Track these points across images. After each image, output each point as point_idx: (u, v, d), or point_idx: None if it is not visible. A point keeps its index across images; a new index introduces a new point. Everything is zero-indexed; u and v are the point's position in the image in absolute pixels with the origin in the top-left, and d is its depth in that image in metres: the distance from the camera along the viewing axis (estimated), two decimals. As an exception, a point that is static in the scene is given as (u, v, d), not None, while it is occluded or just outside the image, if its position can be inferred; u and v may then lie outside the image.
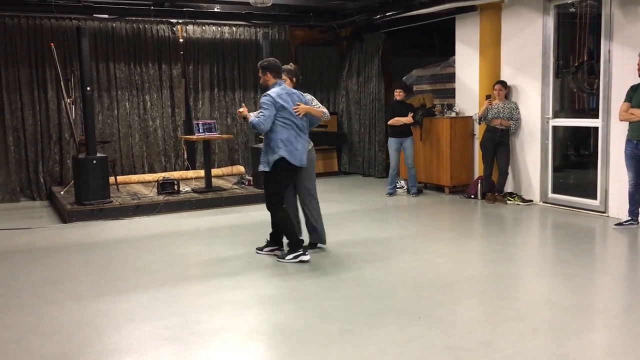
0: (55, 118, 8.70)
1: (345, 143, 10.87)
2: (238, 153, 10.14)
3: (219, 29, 9.78)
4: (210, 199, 7.79)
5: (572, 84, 7.34)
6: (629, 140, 6.02)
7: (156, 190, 7.88)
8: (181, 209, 7.53)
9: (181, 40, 9.43)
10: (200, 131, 8.01)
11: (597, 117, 6.77)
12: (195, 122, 8.23)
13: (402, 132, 8.21)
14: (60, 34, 8.62)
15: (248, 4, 7.39)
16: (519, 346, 3.28)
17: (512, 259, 5.17)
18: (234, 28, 9.88)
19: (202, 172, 8.85)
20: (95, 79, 8.82)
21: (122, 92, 9.15)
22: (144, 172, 9.33)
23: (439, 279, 4.56)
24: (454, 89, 8.88)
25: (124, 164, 9.24)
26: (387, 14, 8.55)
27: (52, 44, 7.82)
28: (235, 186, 8.45)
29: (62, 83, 7.89)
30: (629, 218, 6.09)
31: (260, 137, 6.11)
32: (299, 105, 5.01)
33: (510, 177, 7.81)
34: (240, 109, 5.06)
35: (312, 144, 5.40)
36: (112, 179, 7.86)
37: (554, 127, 7.41)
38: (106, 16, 8.69)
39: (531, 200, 7.56)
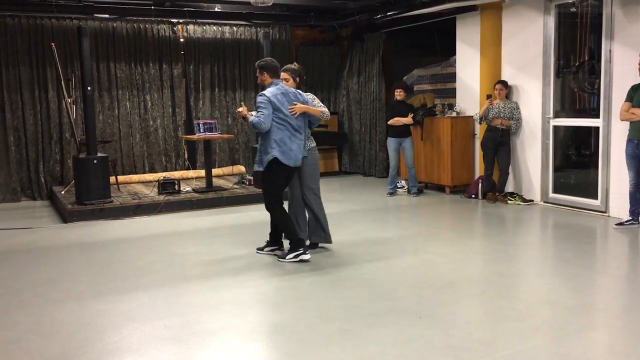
0: (56, 118, 8.70)
1: (346, 143, 10.87)
2: (239, 153, 10.14)
3: (220, 28, 9.78)
4: (210, 198, 7.79)
5: (573, 84, 7.34)
6: (629, 140, 6.02)
7: (157, 190, 7.88)
8: (182, 209, 7.54)
9: (182, 40, 9.43)
10: (201, 131, 8.01)
11: (597, 116, 6.76)
12: (196, 121, 8.23)
13: (402, 132, 8.21)
14: (61, 34, 8.62)
15: (249, 3, 7.38)
16: (520, 346, 3.28)
17: (512, 258, 5.17)
18: (234, 28, 9.88)
19: (202, 172, 8.86)
20: (95, 79, 8.82)
21: (123, 91, 9.15)
22: (144, 172, 9.34)
23: (439, 278, 4.55)
24: (455, 88, 8.87)
25: (124, 164, 9.25)
26: (387, 13, 8.54)
27: (52, 44, 7.82)
28: (235, 186, 8.45)
29: (62, 83, 7.89)
30: (630, 218, 6.09)
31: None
32: (295, 104, 5.01)
33: (511, 177, 7.80)
34: (240, 109, 5.08)
35: (314, 143, 5.40)
36: (112, 179, 7.87)
37: (555, 127, 7.40)
38: (107, 16, 8.70)
39: (532, 200, 7.56)
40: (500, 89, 7.62)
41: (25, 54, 8.44)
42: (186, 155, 9.59)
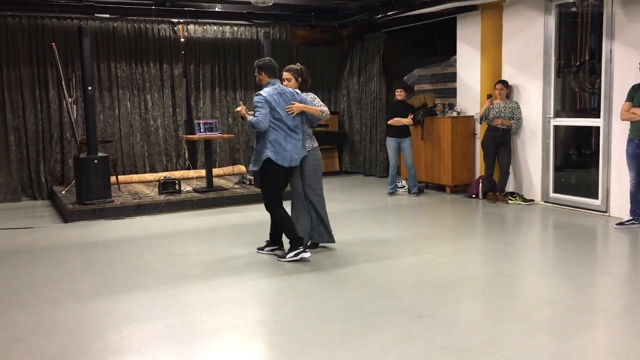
0: (57, 117, 8.70)
1: (346, 142, 10.87)
2: (239, 152, 10.14)
3: (220, 28, 9.78)
4: (211, 198, 7.80)
5: (573, 84, 7.33)
6: (630, 140, 6.01)
7: (157, 190, 7.89)
8: (182, 209, 7.54)
9: (182, 39, 9.44)
10: (202, 131, 8.01)
11: (598, 116, 6.76)
12: (196, 121, 8.23)
13: (401, 132, 8.21)
14: (61, 34, 8.62)
15: (249, 3, 7.38)
16: (520, 346, 3.28)
17: (513, 258, 5.17)
18: (235, 28, 9.88)
19: (203, 172, 8.86)
20: (96, 79, 8.82)
21: (124, 91, 9.16)
22: (145, 172, 9.34)
23: (439, 278, 4.55)
24: (455, 88, 8.87)
25: (125, 164, 9.25)
26: (388, 13, 8.54)
27: (53, 44, 7.82)
28: (236, 186, 8.45)
29: (63, 82, 7.89)
30: (631, 218, 6.08)
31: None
32: (293, 104, 5.01)
33: (511, 176, 7.80)
34: (238, 108, 5.09)
35: (317, 143, 5.40)
36: (113, 179, 7.87)
37: (556, 127, 7.40)
38: (107, 16, 8.70)
39: (532, 200, 7.56)
40: (500, 88, 7.62)
41: (26, 53, 8.45)
42: (187, 155, 9.60)
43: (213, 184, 8.23)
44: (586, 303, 3.99)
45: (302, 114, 5.11)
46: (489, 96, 7.71)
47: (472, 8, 8.12)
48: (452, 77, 9.02)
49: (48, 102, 8.65)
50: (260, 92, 4.99)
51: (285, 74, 5.26)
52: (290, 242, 5.10)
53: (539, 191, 7.54)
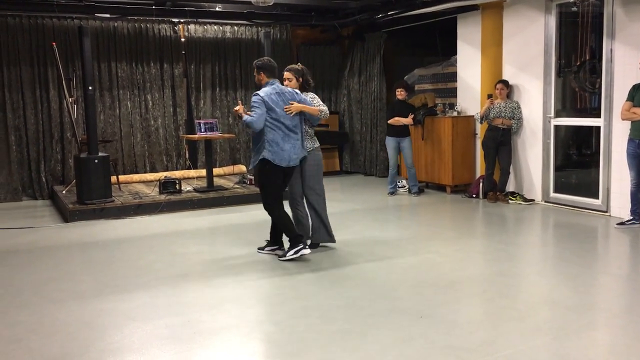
0: (57, 117, 8.71)
1: (346, 142, 10.87)
2: (240, 152, 10.14)
3: (221, 28, 9.78)
4: (211, 198, 7.80)
5: (574, 83, 7.33)
6: (631, 140, 6.01)
7: (158, 190, 7.89)
8: (183, 208, 7.54)
9: (183, 39, 9.44)
10: (202, 130, 8.01)
11: (599, 116, 6.76)
12: (197, 121, 8.23)
13: (400, 131, 8.21)
14: (62, 34, 8.62)
15: (250, 3, 7.38)
16: (521, 345, 3.28)
17: (513, 258, 5.17)
18: (235, 27, 9.88)
19: (203, 172, 8.87)
20: (97, 79, 8.82)
21: (124, 91, 9.16)
22: (145, 172, 9.34)
23: (440, 278, 4.55)
24: (456, 88, 8.87)
25: (125, 163, 9.25)
26: (388, 13, 8.54)
27: (54, 44, 7.83)
28: (236, 185, 8.45)
29: (64, 82, 7.90)
30: (631, 217, 6.08)
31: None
32: (291, 104, 5.01)
33: (512, 176, 7.80)
34: (237, 107, 5.10)
35: (317, 144, 5.41)
36: (113, 178, 7.87)
37: (556, 127, 7.40)
38: (108, 15, 8.70)
39: (533, 200, 7.56)
40: (501, 88, 7.62)
41: (27, 53, 8.45)
42: (187, 154, 9.60)
43: (213, 183, 8.23)
44: (586, 303, 3.98)
45: (301, 113, 5.11)
46: (490, 96, 7.71)
47: (472, 8, 8.12)
48: (453, 76, 9.02)
49: (49, 101, 8.65)
50: (258, 92, 5.00)
51: (286, 74, 5.27)
52: (289, 240, 5.11)
53: (540, 191, 7.54)
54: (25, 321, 3.81)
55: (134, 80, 9.22)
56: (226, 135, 8.81)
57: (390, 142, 8.30)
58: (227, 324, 3.71)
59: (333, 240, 5.45)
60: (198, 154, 9.68)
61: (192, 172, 9.24)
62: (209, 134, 8.05)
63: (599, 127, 6.78)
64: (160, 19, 9.13)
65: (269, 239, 5.43)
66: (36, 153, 8.64)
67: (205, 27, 9.65)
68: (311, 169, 5.29)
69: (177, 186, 7.94)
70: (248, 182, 8.51)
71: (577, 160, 7.98)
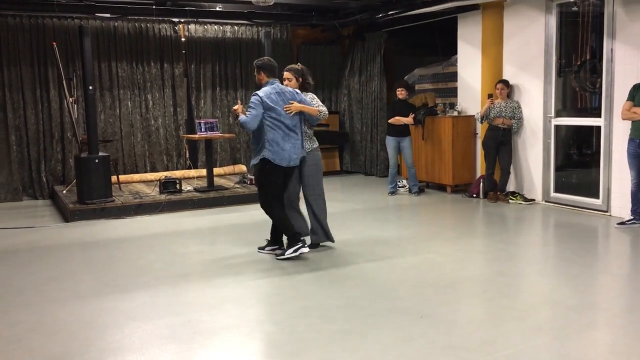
0: (58, 117, 8.71)
1: (347, 142, 10.87)
2: (240, 152, 10.15)
3: (221, 28, 9.78)
4: (212, 198, 7.80)
5: (574, 83, 7.33)
6: (631, 140, 6.01)
7: (158, 190, 7.89)
8: (183, 208, 7.54)
9: (183, 39, 9.44)
10: (202, 130, 8.01)
11: (599, 116, 6.76)
12: (197, 121, 8.23)
13: (401, 131, 8.20)
14: (62, 33, 8.63)
15: (250, 3, 7.39)
16: (521, 345, 3.28)
17: (514, 258, 5.17)
18: (235, 27, 9.88)
19: (204, 171, 8.87)
20: (97, 78, 8.82)
21: (124, 91, 9.16)
22: (146, 171, 9.34)
23: (440, 278, 4.55)
24: (456, 88, 8.87)
25: (126, 163, 9.25)
26: (389, 12, 8.54)
27: (54, 43, 7.83)
28: (237, 185, 8.45)
29: (64, 82, 7.90)
30: (632, 217, 6.08)
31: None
32: (291, 103, 5.01)
33: (512, 176, 7.80)
34: (235, 106, 5.11)
35: (317, 144, 5.41)
36: (114, 178, 7.87)
37: (557, 126, 7.40)
38: (108, 15, 8.70)
39: (533, 200, 7.56)
40: (501, 88, 7.62)
41: (27, 53, 8.45)
42: (187, 154, 9.60)
43: (214, 183, 8.23)
44: (587, 303, 3.98)
45: (300, 113, 5.11)
46: (490, 96, 7.70)
47: (472, 7, 8.12)
48: (453, 76, 9.02)
49: (49, 101, 8.65)
50: (258, 92, 5.00)
51: (286, 74, 5.27)
52: (288, 239, 5.11)
53: (540, 191, 7.54)
54: (25, 321, 3.81)
55: (135, 80, 9.22)
56: (226, 135, 8.81)
57: (390, 142, 8.30)
58: (227, 323, 3.71)
59: (331, 240, 5.46)
60: (198, 153, 9.68)
61: (193, 172, 9.24)
62: (209, 134, 8.05)
63: (599, 127, 6.78)
64: (160, 18, 9.13)
65: (269, 238, 5.42)
66: (36, 153, 8.65)
67: (205, 26, 9.65)
68: (310, 169, 5.29)
69: (178, 186, 7.94)
70: (248, 182, 8.51)
71: (577, 160, 7.97)
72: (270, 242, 5.39)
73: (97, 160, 7.17)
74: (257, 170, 5.14)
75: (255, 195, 7.80)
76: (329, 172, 10.49)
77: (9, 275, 4.86)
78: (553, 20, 7.24)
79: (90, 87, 7.24)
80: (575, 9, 7.17)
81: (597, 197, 6.83)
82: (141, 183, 8.84)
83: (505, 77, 7.86)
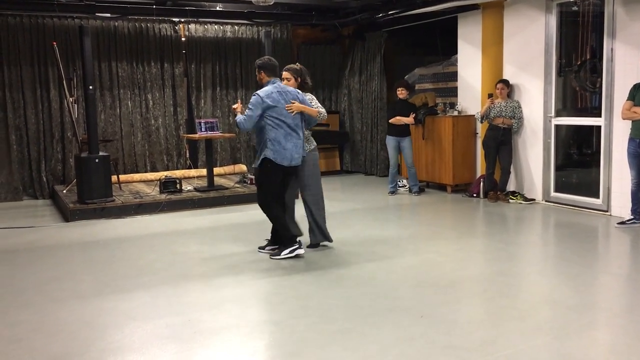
0: (58, 117, 8.71)
1: (347, 142, 10.87)
2: (240, 152, 10.15)
3: (221, 27, 9.78)
4: (212, 197, 7.80)
5: (574, 83, 7.33)
6: (631, 139, 6.01)
7: (158, 189, 7.89)
8: (183, 208, 7.54)
9: (183, 39, 9.44)
10: (203, 130, 8.01)
11: (599, 115, 6.76)
12: (197, 120, 8.23)
13: (401, 131, 8.20)
14: (62, 33, 8.63)
15: (250, 2, 7.39)
16: (521, 345, 3.28)
17: (514, 257, 5.17)
18: (236, 27, 9.88)
19: (204, 171, 8.87)
20: (97, 78, 8.82)
21: (125, 90, 9.16)
22: (146, 171, 9.34)
23: (440, 278, 4.55)
24: (456, 87, 8.87)
25: (126, 163, 9.25)
26: (389, 12, 8.54)
27: (54, 43, 7.83)
28: (237, 185, 8.45)
29: (64, 82, 7.90)
30: (632, 217, 6.08)
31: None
32: (292, 103, 5.01)
33: (512, 175, 7.80)
34: (235, 105, 5.12)
35: (314, 144, 5.41)
36: (114, 178, 7.87)
37: (557, 126, 7.40)
38: (108, 15, 8.70)
39: (533, 199, 7.55)
40: (501, 87, 7.61)
41: (27, 53, 8.45)
42: (187, 154, 9.60)
43: (214, 183, 8.23)
44: (587, 302, 3.98)
45: (301, 114, 5.11)
46: (490, 95, 7.70)
47: (473, 7, 8.11)
48: (453, 76, 9.02)
49: (49, 101, 8.65)
50: (258, 91, 5.00)
51: (285, 74, 5.28)
52: (285, 239, 5.11)
53: (540, 190, 7.54)
54: (26, 320, 3.81)
55: (135, 79, 9.22)
56: (227, 134, 8.81)
57: (390, 142, 8.30)
58: (227, 323, 3.71)
59: (329, 240, 5.46)
60: (198, 153, 9.68)
61: (193, 172, 9.24)
62: (210, 134, 8.05)
63: (599, 127, 6.78)
64: (160, 18, 9.13)
65: (270, 238, 5.43)
66: (37, 152, 8.65)
67: (205, 26, 9.65)
68: (309, 169, 5.31)
69: (178, 186, 7.94)
70: (248, 182, 8.51)
71: (577, 159, 7.97)
72: (270, 242, 5.39)
73: (97, 160, 7.17)
74: (258, 169, 5.14)
75: (255, 195, 7.83)
76: (329, 172, 10.50)
77: (10, 275, 4.86)
78: (553, 20, 7.24)
79: (91, 87, 7.24)
80: (575, 8, 7.17)
81: (598, 196, 6.83)
82: (141, 183, 8.84)
83: (505, 76, 7.86)
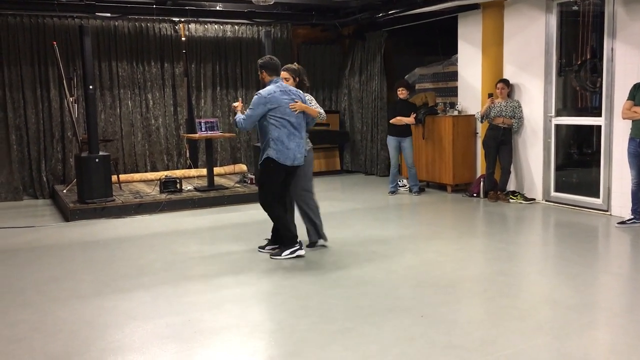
0: (58, 116, 8.71)
1: (347, 142, 10.87)
2: (240, 152, 10.15)
3: (221, 27, 9.78)
4: (212, 197, 7.80)
5: (574, 83, 7.33)
6: (631, 139, 6.01)
7: (158, 189, 7.89)
8: (183, 208, 7.54)
9: (183, 38, 9.44)
10: (203, 130, 8.01)
11: (599, 115, 6.76)
12: (197, 120, 8.23)
13: (402, 131, 8.20)
14: (62, 33, 8.63)
15: (250, 2, 7.39)
16: (522, 345, 3.28)
17: (514, 257, 5.17)
18: (236, 26, 9.87)
19: (204, 171, 8.87)
20: (97, 78, 8.82)
21: (125, 90, 9.16)
22: (146, 171, 9.34)
23: (441, 277, 4.55)
24: (457, 87, 8.87)
25: (126, 163, 9.26)
26: (389, 12, 8.54)
27: (54, 43, 7.83)
28: (237, 185, 8.45)
29: (64, 81, 7.90)
30: (632, 216, 6.08)
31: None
32: (296, 102, 5.02)
33: (512, 175, 7.80)
34: (235, 103, 5.12)
35: (310, 145, 5.42)
36: (114, 178, 7.87)
37: (557, 126, 7.40)
38: (108, 15, 8.70)
39: (534, 199, 7.55)
40: (502, 87, 7.61)
41: (27, 52, 8.45)
42: (188, 154, 9.60)
43: (214, 183, 8.23)
44: (587, 302, 3.98)
45: (303, 113, 5.12)
46: (490, 95, 7.70)
47: (473, 7, 8.11)
48: (453, 76, 9.02)
49: (49, 101, 8.65)
50: (261, 91, 4.99)
51: (283, 74, 5.28)
52: (285, 240, 5.11)
53: (540, 190, 7.54)
54: (26, 320, 3.81)
55: (135, 79, 9.22)
56: (227, 134, 8.81)
57: (391, 142, 8.30)
58: (227, 323, 3.71)
59: (324, 239, 5.46)
60: (199, 153, 9.68)
61: (193, 172, 9.24)
62: (210, 133, 8.05)
63: (599, 126, 6.78)
64: (160, 18, 9.13)
65: (270, 237, 5.43)
66: (37, 152, 8.65)
67: (205, 26, 9.65)
68: (306, 169, 5.32)
69: (178, 185, 7.94)
70: (249, 182, 8.52)
71: (578, 159, 7.97)
72: (270, 242, 5.40)
73: (97, 160, 7.17)
74: (260, 168, 5.13)
75: (255, 194, 7.82)
76: (329, 172, 10.50)
77: (10, 275, 4.86)
78: (553, 20, 7.24)
79: (91, 87, 7.25)
80: (575, 8, 7.17)
81: (598, 196, 6.83)
82: (141, 182, 8.84)
83: (505, 76, 7.86)
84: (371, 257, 5.15)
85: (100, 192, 7.17)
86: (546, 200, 7.48)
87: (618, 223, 6.14)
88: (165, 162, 9.55)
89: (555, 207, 7.26)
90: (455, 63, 8.94)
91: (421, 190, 8.43)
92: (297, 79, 5.32)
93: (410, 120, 8.16)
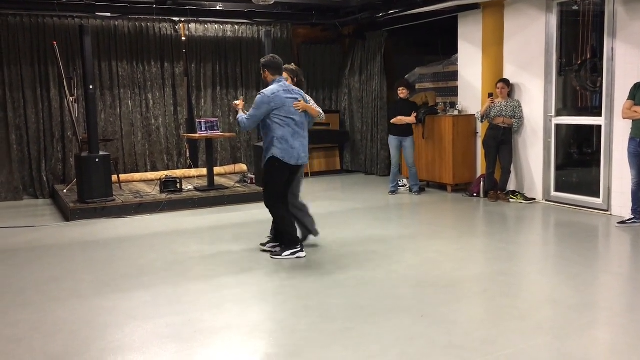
0: (58, 116, 8.71)
1: (347, 141, 10.87)
2: (240, 151, 10.15)
3: (222, 27, 9.78)
4: (212, 197, 7.80)
5: (575, 82, 7.33)
6: (632, 139, 6.01)
7: (159, 189, 7.89)
8: (183, 207, 7.54)
9: (183, 38, 9.44)
10: (203, 129, 8.01)
11: (600, 115, 6.76)
12: (197, 120, 8.24)
13: (403, 131, 8.20)
14: (62, 32, 8.63)
15: (250, 2, 7.39)
16: (522, 345, 3.28)
17: (514, 257, 5.17)
18: (236, 26, 9.87)
19: (204, 171, 8.87)
20: (97, 77, 8.82)
21: (125, 90, 9.16)
22: (146, 171, 9.34)
23: (441, 277, 4.55)
24: (457, 87, 8.86)
25: (126, 162, 9.26)
26: (389, 12, 8.54)
27: (54, 42, 7.83)
28: (237, 184, 8.45)
29: (64, 81, 7.90)
30: (632, 216, 6.08)
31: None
32: (299, 101, 5.02)
33: (512, 175, 7.79)
34: (236, 102, 5.11)
35: None
36: (114, 177, 7.87)
37: (557, 125, 7.39)
38: (109, 14, 8.70)
39: (534, 199, 7.55)
40: (502, 87, 7.61)
41: (28, 52, 8.45)
42: (188, 153, 9.60)
43: (214, 182, 8.23)
44: (588, 302, 3.98)
45: (305, 112, 5.12)
46: (490, 95, 7.70)
47: (473, 6, 8.11)
48: (454, 75, 9.02)
49: (49, 100, 8.65)
50: (264, 90, 4.99)
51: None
52: (286, 241, 5.11)
53: (541, 190, 7.54)
54: (26, 320, 3.81)
55: (135, 79, 9.22)
56: (227, 134, 8.81)
57: (392, 141, 8.30)
58: (227, 323, 3.71)
59: (314, 234, 5.46)
60: (199, 152, 9.69)
61: (193, 171, 9.24)
62: (210, 133, 8.05)
63: (600, 126, 6.77)
64: (161, 17, 9.13)
65: (271, 234, 5.43)
66: (37, 152, 8.65)
67: (206, 26, 9.65)
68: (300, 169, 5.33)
69: (178, 185, 7.94)
70: (249, 181, 8.52)
71: (578, 159, 7.97)
72: (272, 239, 5.40)
73: (97, 160, 7.17)
74: (264, 168, 5.11)
75: (256, 194, 7.86)
76: (329, 172, 10.50)
77: (10, 275, 4.86)
78: (554, 20, 7.23)
79: (91, 86, 7.25)
80: (575, 8, 7.17)
81: (598, 196, 6.83)
82: (142, 182, 8.84)
83: (505, 76, 7.85)
84: (371, 256, 5.15)
85: (101, 192, 7.17)
86: (546, 200, 7.48)
87: (618, 223, 6.14)
88: (165, 162, 9.55)
89: (555, 206, 7.26)
90: (455, 63, 8.94)
91: (421, 190, 8.43)
92: (295, 79, 5.33)
93: (411, 119, 8.16)
